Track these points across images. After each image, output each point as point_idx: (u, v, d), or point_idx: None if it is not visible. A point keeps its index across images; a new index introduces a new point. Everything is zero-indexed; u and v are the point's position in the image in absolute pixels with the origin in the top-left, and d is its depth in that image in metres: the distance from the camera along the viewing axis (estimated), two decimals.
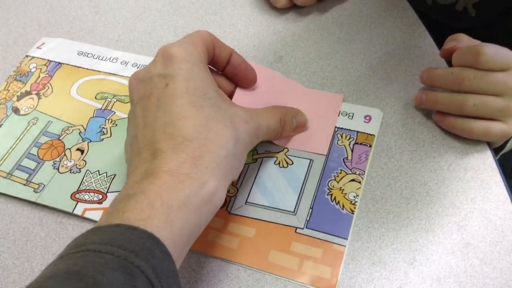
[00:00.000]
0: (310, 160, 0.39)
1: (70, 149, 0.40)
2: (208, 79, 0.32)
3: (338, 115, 0.41)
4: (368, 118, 0.41)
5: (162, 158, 0.28)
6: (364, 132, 0.40)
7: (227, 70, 0.38)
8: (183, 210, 0.27)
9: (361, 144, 0.40)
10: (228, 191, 0.37)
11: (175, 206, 0.26)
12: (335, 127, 0.41)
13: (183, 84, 0.30)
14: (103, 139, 0.41)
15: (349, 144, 0.40)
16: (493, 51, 0.36)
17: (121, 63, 0.46)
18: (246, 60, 0.38)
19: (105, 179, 0.38)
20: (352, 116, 0.41)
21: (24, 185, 0.38)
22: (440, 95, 0.39)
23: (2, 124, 0.42)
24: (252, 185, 0.38)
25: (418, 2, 0.51)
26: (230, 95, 0.39)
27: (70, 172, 0.39)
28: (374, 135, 0.40)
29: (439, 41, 0.46)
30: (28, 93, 0.44)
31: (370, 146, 0.39)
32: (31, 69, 0.46)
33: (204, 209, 0.28)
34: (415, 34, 0.47)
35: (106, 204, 0.37)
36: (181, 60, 0.31)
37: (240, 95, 0.39)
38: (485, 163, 0.38)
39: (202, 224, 0.28)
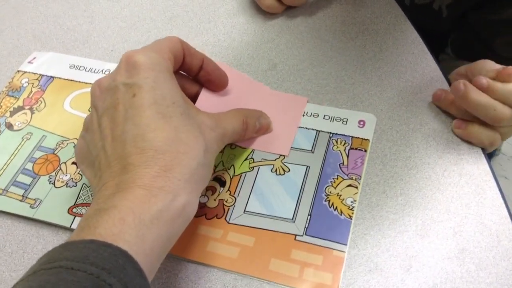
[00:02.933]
0: (307, 166, 0.39)
1: (65, 163, 0.40)
2: (175, 87, 0.32)
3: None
4: (362, 123, 0.42)
5: (134, 173, 0.28)
6: (358, 137, 0.40)
7: (200, 76, 0.38)
8: (155, 224, 0.27)
9: (356, 149, 0.40)
10: (226, 201, 0.38)
11: (147, 220, 0.26)
12: (330, 133, 0.41)
13: (151, 94, 0.30)
14: None
15: (345, 150, 0.40)
16: None
17: None
18: (217, 62, 0.39)
19: None
20: (346, 122, 0.42)
21: (20, 201, 0.38)
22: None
23: None
24: (250, 193, 0.38)
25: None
26: (196, 96, 0.39)
27: (66, 186, 0.39)
28: (368, 139, 0.40)
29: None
30: (21, 108, 0.44)
31: (365, 151, 0.40)
32: (23, 84, 0.46)
33: (176, 222, 0.28)
34: (408, 40, 0.48)
35: None
36: (146, 68, 0.31)
37: (205, 98, 0.39)
38: (479, 168, 0.38)
39: (175, 236, 0.29)
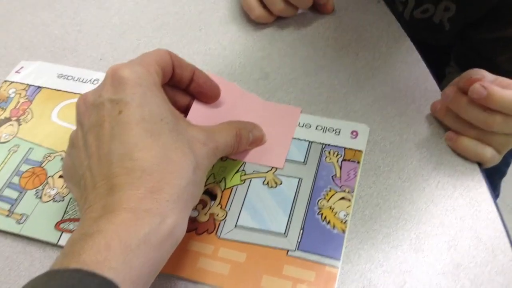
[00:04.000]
0: (299, 179, 0.38)
1: (52, 176, 0.39)
2: (163, 102, 0.31)
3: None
4: (354, 134, 0.41)
5: (121, 195, 0.27)
6: (351, 148, 0.40)
7: (191, 88, 0.37)
8: (142, 249, 0.26)
9: (349, 160, 0.39)
10: (217, 215, 0.37)
11: (134, 245, 0.25)
12: (322, 144, 0.40)
13: (138, 110, 0.29)
14: None
15: (337, 161, 0.39)
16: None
17: None
18: (208, 73, 0.38)
19: None
20: (339, 132, 0.41)
21: (7, 216, 0.37)
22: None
23: None
24: (241, 207, 0.37)
25: (396, 18, 0.51)
26: (187, 108, 0.38)
27: (53, 201, 0.38)
28: (361, 151, 0.40)
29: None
30: (7, 119, 0.43)
31: (358, 162, 0.39)
32: (10, 94, 0.45)
33: (165, 244, 0.27)
34: (402, 48, 0.47)
35: None
36: (133, 83, 0.30)
37: (197, 110, 0.38)
38: (473, 180, 0.38)
39: (163, 259, 0.28)
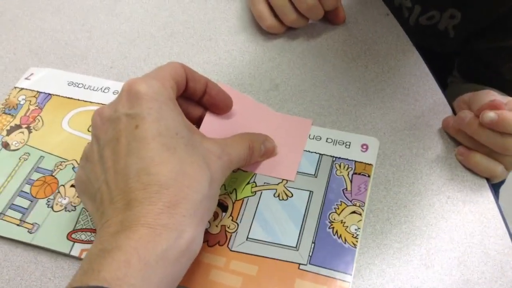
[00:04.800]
0: (310, 191, 0.39)
1: (64, 185, 0.39)
2: (179, 116, 0.31)
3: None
4: (365, 147, 0.41)
5: (138, 210, 0.27)
6: (362, 162, 0.40)
7: (204, 100, 0.38)
8: (160, 264, 0.26)
9: (359, 174, 0.40)
10: (228, 227, 0.37)
11: (153, 261, 0.26)
12: (333, 156, 0.41)
13: (154, 125, 0.29)
14: None
15: (348, 175, 0.40)
16: None
17: (113, 93, 0.45)
18: (219, 84, 0.38)
19: None
20: (349, 145, 0.41)
21: (18, 225, 0.37)
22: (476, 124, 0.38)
23: None
24: (253, 219, 0.37)
25: (401, 24, 0.52)
26: (200, 120, 0.39)
27: (65, 211, 0.38)
28: (372, 164, 0.40)
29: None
30: (18, 126, 0.43)
31: (369, 176, 0.39)
32: (20, 101, 0.45)
33: (182, 259, 0.28)
34: (410, 61, 0.48)
35: None
36: (149, 98, 0.30)
37: (209, 122, 0.39)
38: (482, 195, 0.38)
39: (180, 274, 0.28)
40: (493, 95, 0.38)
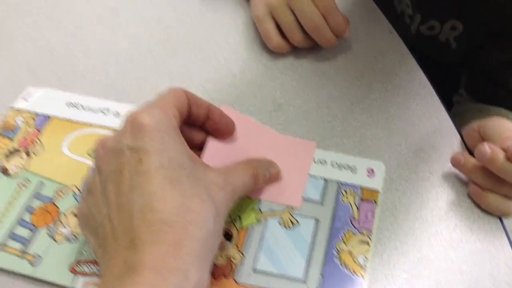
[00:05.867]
0: (316, 220, 0.38)
1: (65, 213, 0.38)
2: (182, 147, 0.31)
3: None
4: (371, 172, 0.41)
5: (143, 251, 0.27)
6: (368, 188, 0.40)
7: (207, 126, 0.37)
8: None
9: (366, 201, 0.39)
10: (233, 258, 0.36)
11: None
12: (339, 182, 0.40)
13: (157, 158, 0.29)
14: None
15: (355, 201, 0.39)
16: None
17: (113, 114, 0.44)
18: (222, 107, 0.38)
19: None
20: (355, 170, 0.41)
21: (19, 257, 0.36)
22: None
23: None
24: (258, 249, 0.37)
25: (403, 30, 0.51)
26: (202, 144, 0.38)
27: (67, 241, 0.37)
28: (378, 191, 0.40)
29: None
30: (16, 150, 0.42)
31: (376, 202, 0.39)
32: (18, 123, 0.44)
33: None
34: (415, 81, 0.47)
35: None
36: (152, 130, 0.30)
37: (212, 147, 0.38)
38: (490, 223, 0.38)
39: None
40: (505, 123, 0.37)
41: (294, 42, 0.47)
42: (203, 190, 0.30)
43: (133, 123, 0.30)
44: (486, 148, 0.36)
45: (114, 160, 0.30)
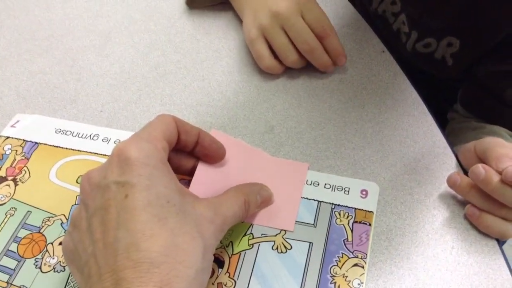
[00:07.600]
0: (310, 243, 0.37)
1: (52, 243, 0.37)
2: (170, 181, 0.30)
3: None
4: (364, 193, 0.40)
5: None
6: (362, 209, 0.39)
7: (197, 151, 0.37)
8: None
9: (360, 222, 0.38)
10: (225, 285, 0.35)
11: None
12: (332, 204, 0.39)
13: (144, 194, 0.28)
14: None
15: (348, 223, 0.38)
16: None
17: (102, 140, 0.44)
18: (212, 132, 0.38)
19: None
20: (348, 191, 0.40)
21: None
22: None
23: None
24: (251, 276, 0.36)
25: (399, 47, 0.51)
26: (192, 170, 0.38)
27: (54, 271, 0.36)
28: (372, 212, 0.39)
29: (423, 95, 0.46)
30: (3, 179, 0.41)
31: (370, 224, 0.38)
32: (5, 151, 0.43)
33: None
34: (408, 101, 0.47)
35: None
36: (139, 164, 0.29)
37: (202, 172, 0.38)
38: (488, 245, 0.37)
39: None
40: (500, 142, 0.37)
41: (288, 64, 0.47)
42: (193, 226, 0.29)
43: (120, 156, 0.29)
44: (481, 169, 0.35)
45: (100, 195, 0.29)
